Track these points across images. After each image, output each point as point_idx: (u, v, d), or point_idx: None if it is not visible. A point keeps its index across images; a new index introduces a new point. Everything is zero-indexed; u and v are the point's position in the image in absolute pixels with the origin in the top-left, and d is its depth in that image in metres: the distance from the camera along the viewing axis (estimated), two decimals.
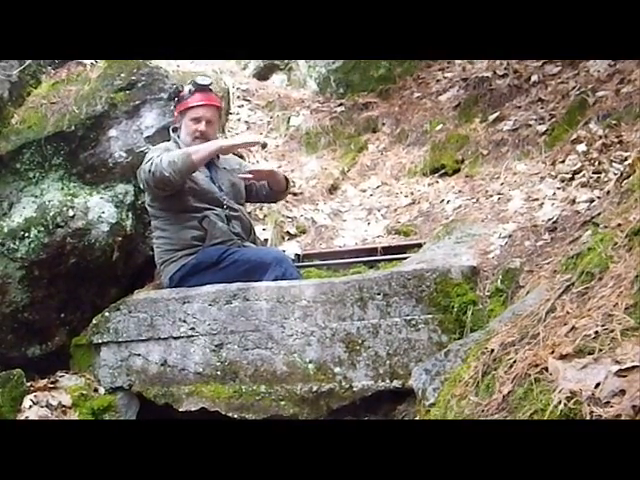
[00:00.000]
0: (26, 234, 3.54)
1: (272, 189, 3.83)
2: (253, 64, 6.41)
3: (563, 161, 3.89)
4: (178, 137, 3.64)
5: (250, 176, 3.65)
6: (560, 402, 1.58)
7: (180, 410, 3.27)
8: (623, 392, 1.51)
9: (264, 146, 3.99)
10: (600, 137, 3.82)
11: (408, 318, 2.93)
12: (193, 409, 3.24)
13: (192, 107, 3.61)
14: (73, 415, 3.28)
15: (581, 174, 3.63)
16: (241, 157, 4.52)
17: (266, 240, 4.20)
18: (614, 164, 3.52)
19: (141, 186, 3.57)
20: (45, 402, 3.25)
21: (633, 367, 1.54)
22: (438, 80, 5.49)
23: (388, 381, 2.93)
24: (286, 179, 3.88)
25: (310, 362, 3.07)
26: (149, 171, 3.38)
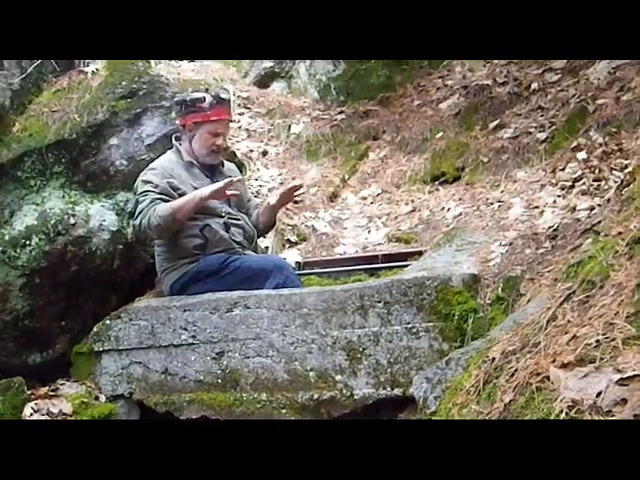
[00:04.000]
0: (27, 242, 3.54)
1: (259, 220, 3.78)
2: (254, 72, 6.41)
3: (563, 169, 3.89)
4: (180, 145, 3.63)
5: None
6: (562, 411, 1.58)
7: (181, 418, 3.27)
8: (625, 401, 1.51)
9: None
10: (600, 145, 3.82)
11: (409, 326, 2.92)
12: (194, 417, 3.24)
13: (212, 121, 3.59)
14: None
15: (581, 182, 3.63)
16: (242, 164, 4.53)
17: (267, 248, 4.19)
18: (614, 172, 3.53)
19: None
20: (46, 410, 3.25)
21: (634, 376, 1.54)
22: (438, 88, 5.50)
23: (389, 389, 2.93)
24: (274, 223, 3.91)
25: (311, 370, 3.07)
26: (139, 225, 3.43)
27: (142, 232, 3.48)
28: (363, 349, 2.98)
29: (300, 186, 3.75)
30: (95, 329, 3.53)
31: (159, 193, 3.43)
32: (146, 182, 3.46)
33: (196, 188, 3.50)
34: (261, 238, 4.05)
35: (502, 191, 4.10)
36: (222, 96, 3.63)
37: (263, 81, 6.36)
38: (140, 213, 3.41)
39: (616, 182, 3.27)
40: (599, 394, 1.56)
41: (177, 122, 3.68)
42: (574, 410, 1.57)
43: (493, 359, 2.07)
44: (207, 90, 3.75)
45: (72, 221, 3.60)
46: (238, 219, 3.63)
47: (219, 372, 3.23)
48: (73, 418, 3.28)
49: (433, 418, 2.25)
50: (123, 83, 3.84)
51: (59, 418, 3.25)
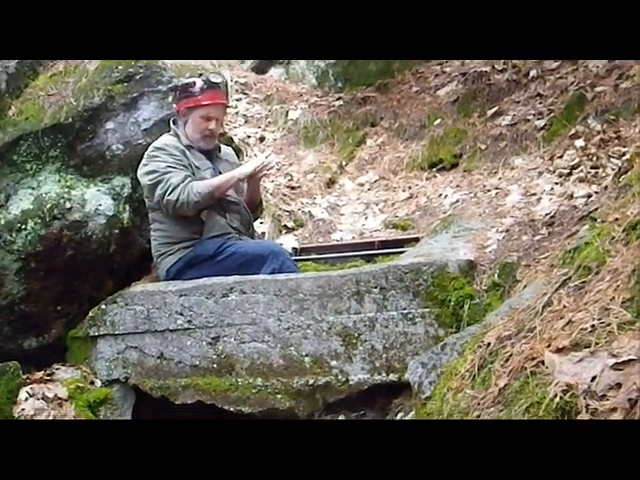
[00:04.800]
0: (23, 226, 3.54)
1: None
2: None
3: (561, 156, 3.89)
4: (177, 128, 3.62)
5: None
6: (556, 395, 1.58)
7: (176, 403, 3.27)
8: (619, 385, 1.51)
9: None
10: (598, 132, 3.82)
11: (405, 312, 2.92)
12: (189, 402, 3.24)
13: (203, 105, 3.57)
14: (69, 407, 3.28)
15: (579, 169, 3.63)
16: (239, 150, 4.51)
17: (263, 233, 4.19)
18: (612, 159, 3.52)
19: (145, 195, 3.56)
20: (41, 394, 3.25)
21: (629, 360, 1.54)
22: (437, 75, 5.49)
23: (384, 374, 2.93)
24: (260, 201, 3.87)
25: (306, 355, 3.07)
26: (175, 200, 3.38)
27: (178, 207, 3.42)
28: (359, 335, 2.98)
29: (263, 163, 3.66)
30: (91, 314, 3.54)
31: (183, 167, 3.46)
32: (162, 161, 3.46)
33: (198, 168, 3.52)
34: (258, 223, 4.04)
35: (499, 178, 4.09)
36: (213, 80, 3.60)
37: (261, 67, 6.35)
38: (175, 188, 3.39)
39: (613, 169, 3.27)
40: (594, 378, 1.56)
41: (174, 107, 3.67)
42: (568, 394, 1.57)
43: (488, 344, 2.07)
44: (200, 75, 3.72)
45: (68, 205, 3.59)
46: (235, 203, 3.62)
47: (215, 357, 3.23)
48: (68, 403, 3.28)
49: (428, 403, 2.25)
50: (120, 67, 3.81)
51: (54, 402, 3.25)
